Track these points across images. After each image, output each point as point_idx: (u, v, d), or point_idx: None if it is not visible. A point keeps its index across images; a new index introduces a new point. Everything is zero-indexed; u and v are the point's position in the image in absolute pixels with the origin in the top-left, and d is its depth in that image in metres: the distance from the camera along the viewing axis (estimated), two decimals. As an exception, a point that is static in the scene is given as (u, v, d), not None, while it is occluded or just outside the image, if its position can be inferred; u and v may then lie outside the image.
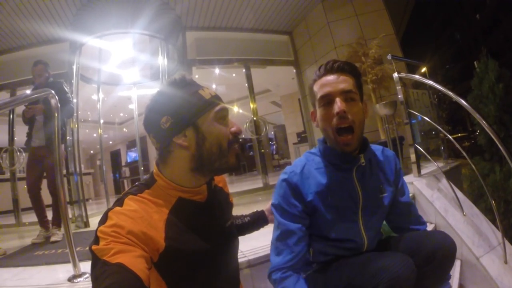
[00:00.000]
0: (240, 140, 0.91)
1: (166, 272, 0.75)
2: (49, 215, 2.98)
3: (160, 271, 0.74)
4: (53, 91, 1.67)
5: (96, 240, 0.66)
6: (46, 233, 2.88)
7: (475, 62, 3.68)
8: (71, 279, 1.56)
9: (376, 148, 1.23)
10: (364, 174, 1.12)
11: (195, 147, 0.83)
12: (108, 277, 0.58)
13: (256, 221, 1.28)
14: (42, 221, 2.93)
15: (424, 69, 4.08)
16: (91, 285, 0.61)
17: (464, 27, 23.42)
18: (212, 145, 0.84)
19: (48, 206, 2.96)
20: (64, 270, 1.75)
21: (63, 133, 3.19)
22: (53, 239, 2.76)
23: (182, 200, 0.84)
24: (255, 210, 1.33)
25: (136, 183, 0.87)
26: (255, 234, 1.32)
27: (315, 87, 1.11)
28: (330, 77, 1.07)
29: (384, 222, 1.35)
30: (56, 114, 1.70)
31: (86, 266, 1.63)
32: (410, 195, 2.35)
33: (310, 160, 1.16)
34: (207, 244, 0.84)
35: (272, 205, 1.14)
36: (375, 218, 1.15)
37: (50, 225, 2.94)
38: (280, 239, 1.08)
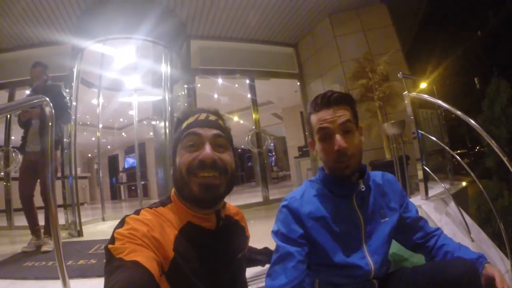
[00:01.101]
0: (217, 169, 0.86)
1: (174, 285, 0.77)
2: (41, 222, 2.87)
3: (170, 283, 0.76)
4: (48, 98, 1.56)
5: (112, 241, 0.71)
6: (37, 241, 2.79)
7: (475, 79, 3.73)
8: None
9: (376, 174, 1.25)
10: (364, 199, 1.14)
11: (173, 174, 0.90)
12: (123, 272, 0.62)
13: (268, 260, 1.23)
14: (34, 229, 2.85)
15: (424, 85, 4.05)
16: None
17: (466, 44, 23.88)
18: (177, 172, 0.88)
19: (40, 208, 2.84)
20: (54, 288, 1.65)
21: (59, 139, 3.11)
22: (44, 248, 2.65)
23: (191, 224, 0.87)
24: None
25: (153, 202, 0.92)
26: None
27: (312, 120, 1.13)
28: (327, 111, 1.09)
29: (395, 251, 1.38)
30: (50, 124, 1.60)
31: (77, 284, 1.54)
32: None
33: (310, 188, 1.19)
34: (211, 270, 0.85)
35: (273, 232, 1.13)
36: (380, 242, 1.13)
37: (42, 233, 2.84)
38: (278, 261, 1.04)
